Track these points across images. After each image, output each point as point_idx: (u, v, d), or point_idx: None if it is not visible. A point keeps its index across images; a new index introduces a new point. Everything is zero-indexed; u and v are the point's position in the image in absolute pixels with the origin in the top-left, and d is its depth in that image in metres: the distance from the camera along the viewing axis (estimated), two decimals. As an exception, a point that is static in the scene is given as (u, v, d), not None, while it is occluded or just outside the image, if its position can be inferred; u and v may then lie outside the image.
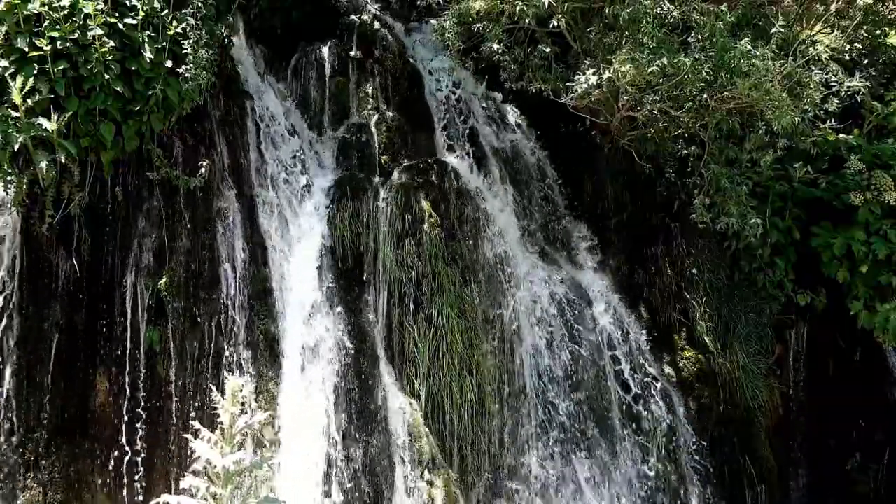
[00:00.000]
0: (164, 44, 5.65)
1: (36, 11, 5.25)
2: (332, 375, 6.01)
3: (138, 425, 5.74)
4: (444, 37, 7.07)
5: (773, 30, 6.21)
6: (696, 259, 7.54)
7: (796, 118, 6.23)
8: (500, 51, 6.74)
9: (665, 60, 5.79)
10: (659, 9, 6.08)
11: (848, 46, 7.45)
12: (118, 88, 5.43)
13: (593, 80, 6.07)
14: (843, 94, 6.86)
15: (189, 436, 4.28)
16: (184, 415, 5.73)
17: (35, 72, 5.21)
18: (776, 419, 7.50)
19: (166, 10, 5.73)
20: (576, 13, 6.60)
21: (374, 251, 6.49)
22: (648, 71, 5.85)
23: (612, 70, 5.98)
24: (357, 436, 5.90)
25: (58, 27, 5.24)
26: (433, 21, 7.40)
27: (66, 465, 5.68)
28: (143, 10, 5.56)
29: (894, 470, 7.52)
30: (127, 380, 5.78)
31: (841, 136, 7.72)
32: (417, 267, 6.40)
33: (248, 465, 4.03)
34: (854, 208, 7.22)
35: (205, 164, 6.18)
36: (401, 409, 6.09)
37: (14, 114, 5.14)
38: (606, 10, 6.31)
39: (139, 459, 5.72)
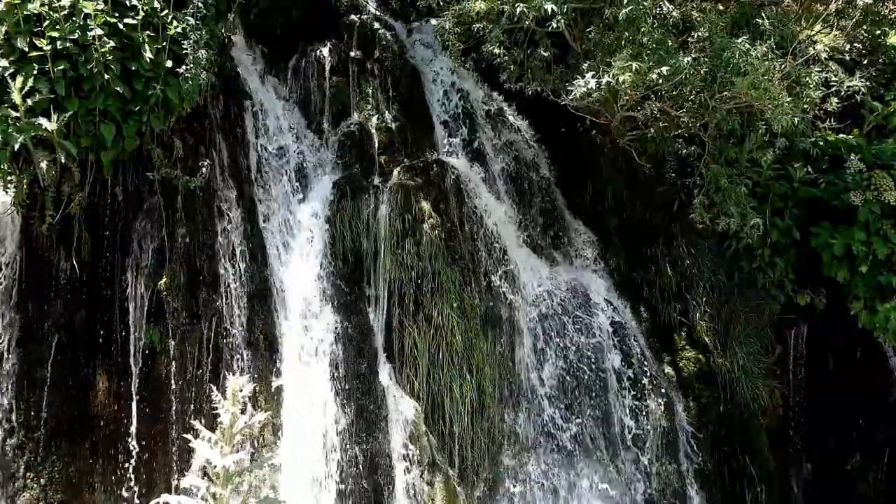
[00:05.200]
0: (164, 44, 5.65)
1: (36, 11, 5.26)
2: (332, 375, 6.01)
3: (138, 425, 5.74)
4: (443, 37, 7.08)
5: (766, 26, 6.22)
6: (696, 259, 7.54)
7: (795, 118, 6.23)
8: (500, 53, 6.74)
9: (665, 69, 5.79)
10: (658, 9, 6.08)
11: (848, 46, 7.46)
12: (118, 88, 5.44)
13: (592, 83, 6.07)
14: (843, 93, 6.87)
15: (189, 436, 4.28)
16: (184, 415, 5.73)
17: (35, 72, 5.21)
18: (776, 419, 7.50)
19: (166, 10, 5.73)
20: (575, 14, 6.60)
21: (374, 251, 6.49)
22: (648, 78, 5.86)
23: (611, 75, 5.97)
24: (357, 436, 5.90)
25: (58, 27, 5.24)
26: (433, 21, 7.40)
27: (66, 465, 5.67)
28: (143, 10, 5.56)
29: (894, 470, 7.52)
30: (127, 380, 5.77)
31: (841, 136, 7.72)
32: (417, 267, 6.40)
33: (249, 465, 4.03)
34: (854, 208, 7.22)
35: (205, 164, 6.18)
36: (400, 409, 6.09)
37: (14, 114, 5.14)
38: (606, 11, 6.31)
39: (139, 459, 5.71)
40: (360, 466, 5.82)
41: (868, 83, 7.18)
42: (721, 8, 6.55)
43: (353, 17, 7.65)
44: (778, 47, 6.36)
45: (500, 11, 6.68)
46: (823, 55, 6.76)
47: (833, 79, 6.84)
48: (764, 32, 6.33)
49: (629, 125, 7.07)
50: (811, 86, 6.40)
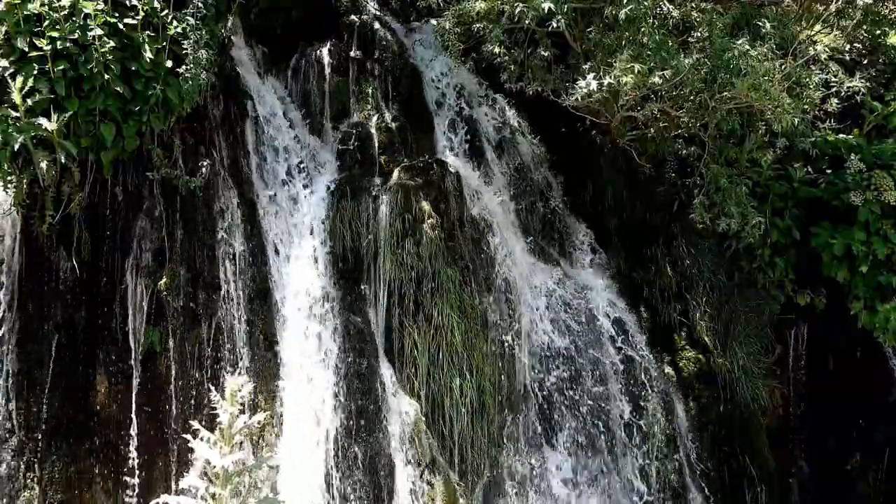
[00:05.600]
0: (164, 44, 5.65)
1: (36, 11, 5.26)
2: (331, 375, 6.01)
3: (138, 425, 5.74)
4: (444, 37, 7.08)
5: (767, 27, 6.22)
6: (696, 259, 7.54)
7: (796, 119, 6.24)
8: (500, 53, 6.74)
9: (668, 73, 5.79)
10: (658, 9, 6.08)
11: (848, 46, 7.46)
12: (118, 88, 5.44)
13: (594, 84, 6.07)
14: (843, 94, 6.87)
15: (189, 436, 4.28)
16: (184, 415, 5.73)
17: (35, 72, 5.21)
18: (776, 419, 7.51)
19: (166, 10, 5.73)
20: (575, 14, 6.60)
21: (374, 251, 6.49)
22: (650, 80, 5.86)
23: (612, 76, 5.97)
24: (357, 436, 5.90)
25: (58, 27, 5.24)
26: (433, 21, 7.41)
27: (66, 465, 5.67)
28: (143, 10, 5.56)
29: (894, 470, 7.52)
30: (127, 380, 5.77)
31: (841, 136, 7.73)
32: (417, 267, 6.39)
33: (248, 466, 4.03)
34: (854, 208, 7.22)
35: (205, 164, 6.18)
36: (401, 409, 6.09)
37: (14, 114, 5.14)
38: (606, 11, 6.31)
39: (139, 459, 5.71)
40: (360, 466, 5.82)
41: (868, 83, 7.19)
42: (721, 9, 6.55)
43: (353, 17, 7.64)
44: (778, 48, 6.37)
45: (500, 11, 6.68)
46: (823, 56, 6.77)
47: (833, 79, 6.85)
48: (765, 35, 6.34)
49: (629, 125, 7.07)
50: (811, 86, 6.41)
